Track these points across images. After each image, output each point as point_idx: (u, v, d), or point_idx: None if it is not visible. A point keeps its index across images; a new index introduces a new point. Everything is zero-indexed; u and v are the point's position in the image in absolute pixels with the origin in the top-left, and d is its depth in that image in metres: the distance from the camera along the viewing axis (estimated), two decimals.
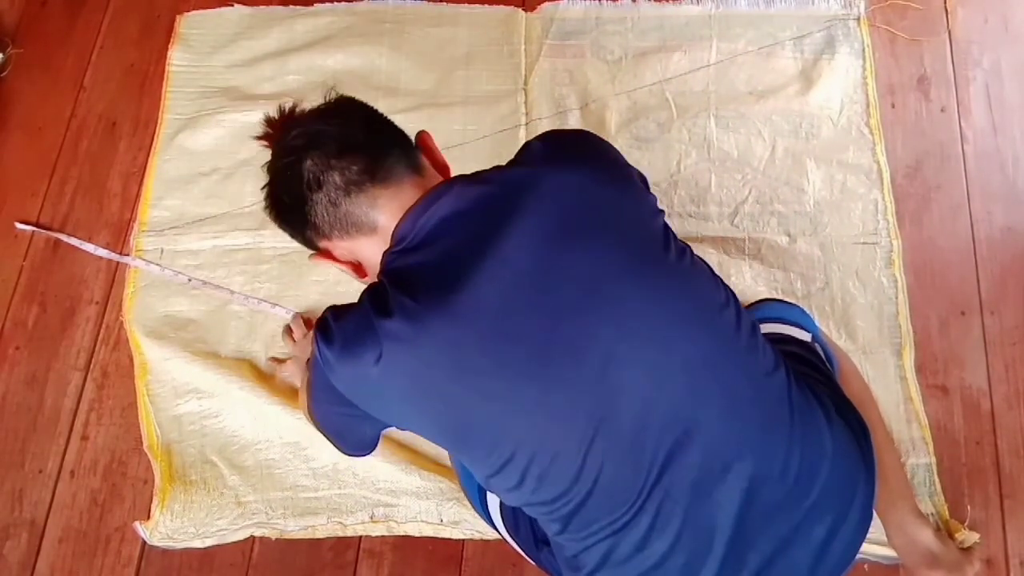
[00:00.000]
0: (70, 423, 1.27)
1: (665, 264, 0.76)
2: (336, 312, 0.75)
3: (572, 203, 0.74)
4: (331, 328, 0.73)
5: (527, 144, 0.82)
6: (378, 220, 0.77)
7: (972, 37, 1.49)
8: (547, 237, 0.72)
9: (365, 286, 0.77)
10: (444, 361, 0.70)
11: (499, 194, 0.74)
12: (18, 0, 1.59)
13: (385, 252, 0.77)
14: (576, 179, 0.76)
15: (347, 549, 1.18)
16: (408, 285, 0.71)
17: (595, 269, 0.72)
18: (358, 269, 0.83)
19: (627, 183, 0.80)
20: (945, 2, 1.52)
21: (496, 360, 0.70)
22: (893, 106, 1.44)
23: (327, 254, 0.82)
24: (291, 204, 0.79)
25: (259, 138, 0.84)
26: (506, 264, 0.71)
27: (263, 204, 0.84)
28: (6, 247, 1.39)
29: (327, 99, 0.83)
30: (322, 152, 0.76)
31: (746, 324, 0.78)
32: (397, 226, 0.76)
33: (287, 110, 0.82)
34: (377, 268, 0.79)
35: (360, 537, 1.19)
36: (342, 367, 0.73)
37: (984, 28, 1.50)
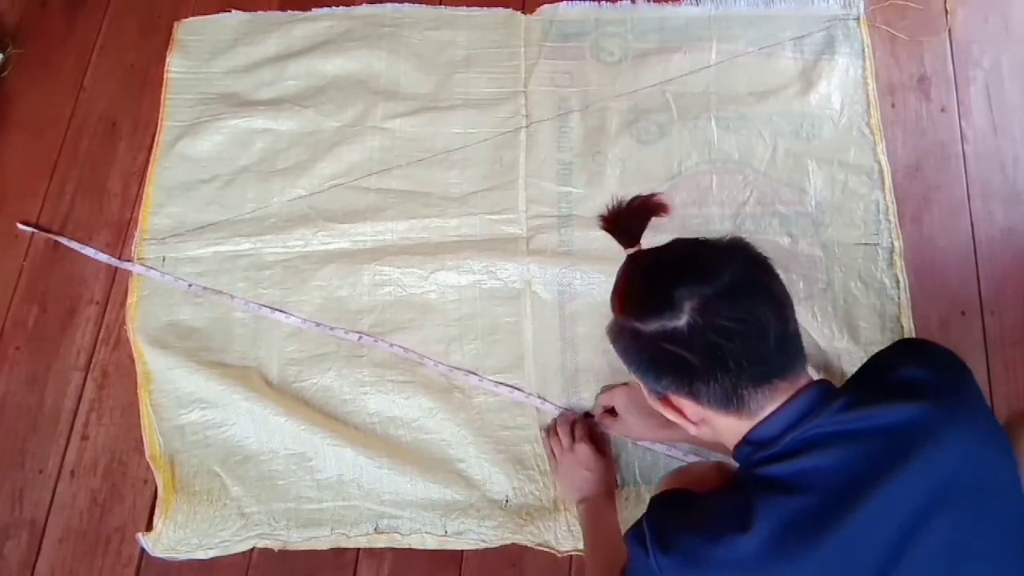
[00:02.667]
0: (70, 423, 1.27)
1: None
2: (677, 515, 0.71)
3: (965, 466, 0.67)
4: (669, 538, 0.69)
5: (901, 359, 0.76)
6: (764, 409, 0.71)
7: (972, 37, 1.49)
8: (923, 501, 0.65)
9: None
10: None
11: (882, 439, 0.68)
12: (18, 0, 1.59)
13: (741, 444, 0.72)
14: (973, 434, 0.69)
15: (348, 549, 1.18)
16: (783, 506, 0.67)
17: (957, 548, 0.65)
18: (700, 425, 0.76)
19: (1009, 448, 0.72)
20: (945, 2, 1.51)
21: None
22: (893, 106, 1.44)
23: (674, 405, 0.75)
24: (678, 360, 0.70)
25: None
26: (877, 518, 0.65)
27: (612, 301, 0.78)
28: (6, 247, 1.39)
29: (725, 239, 0.76)
30: (757, 343, 0.68)
31: None
32: (767, 420, 0.70)
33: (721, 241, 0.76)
34: (723, 439, 0.74)
35: None
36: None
37: (984, 28, 1.50)
